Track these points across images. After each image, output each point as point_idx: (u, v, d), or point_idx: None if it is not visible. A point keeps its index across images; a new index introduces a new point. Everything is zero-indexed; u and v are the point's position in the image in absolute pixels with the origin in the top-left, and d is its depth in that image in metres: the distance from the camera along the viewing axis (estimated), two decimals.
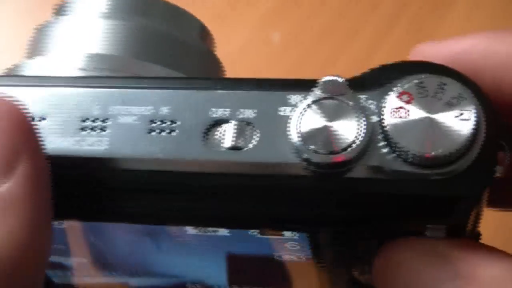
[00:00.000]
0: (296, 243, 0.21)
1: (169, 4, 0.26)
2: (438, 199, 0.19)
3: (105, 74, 0.24)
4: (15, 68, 0.25)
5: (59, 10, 0.27)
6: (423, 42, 0.23)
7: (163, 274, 0.27)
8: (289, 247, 0.22)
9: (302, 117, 0.20)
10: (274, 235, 0.21)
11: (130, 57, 0.24)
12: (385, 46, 0.54)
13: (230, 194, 0.20)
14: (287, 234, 0.21)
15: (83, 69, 0.24)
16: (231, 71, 0.53)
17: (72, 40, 0.25)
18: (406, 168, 0.19)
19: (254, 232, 0.21)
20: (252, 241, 0.22)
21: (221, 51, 0.55)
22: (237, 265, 0.25)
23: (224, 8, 0.58)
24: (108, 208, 0.21)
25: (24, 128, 0.18)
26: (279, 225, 0.21)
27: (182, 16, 0.26)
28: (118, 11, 0.25)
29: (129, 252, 0.25)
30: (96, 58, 0.24)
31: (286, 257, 0.23)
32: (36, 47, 0.26)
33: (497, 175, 0.21)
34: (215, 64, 0.27)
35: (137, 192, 0.21)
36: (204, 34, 0.27)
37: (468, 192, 0.19)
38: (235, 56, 0.55)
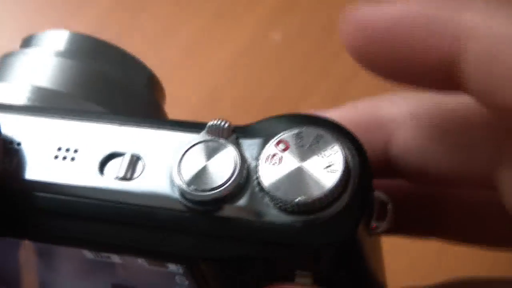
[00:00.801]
0: (184, 277, 0.22)
1: (121, 50, 0.28)
2: (300, 245, 0.20)
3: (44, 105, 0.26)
4: None
5: (25, 42, 0.29)
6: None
7: None
8: (179, 281, 0.23)
9: (184, 156, 0.21)
10: (159, 266, 0.22)
11: (73, 95, 0.26)
12: None
13: (118, 221, 0.21)
14: (172, 267, 0.22)
15: (29, 99, 0.26)
16: (231, 71, 0.55)
17: (25, 72, 0.27)
18: (274, 212, 0.20)
19: (144, 262, 0.22)
20: (146, 273, 0.23)
21: (221, 51, 0.56)
22: None
23: (224, 8, 0.58)
24: (20, 225, 0.23)
25: None
26: (159, 256, 0.22)
27: (131, 64, 0.28)
28: (72, 51, 0.27)
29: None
30: (41, 92, 0.26)
31: None
32: None
33: (381, 229, 0.22)
34: (159, 113, 0.29)
35: (41, 213, 0.22)
36: (152, 84, 0.29)
37: (328, 241, 0.20)
38: (236, 56, 0.55)
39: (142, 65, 0.29)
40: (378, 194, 0.22)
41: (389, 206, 0.22)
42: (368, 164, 0.21)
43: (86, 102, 0.26)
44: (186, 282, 0.23)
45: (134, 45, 0.60)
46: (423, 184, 0.22)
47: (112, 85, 0.27)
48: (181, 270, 0.22)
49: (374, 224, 0.21)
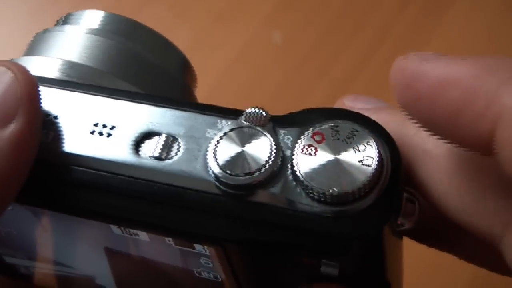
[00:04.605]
0: (209, 259, 0.23)
1: (155, 33, 0.29)
2: (330, 235, 0.21)
3: (79, 81, 0.26)
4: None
5: (62, 20, 0.29)
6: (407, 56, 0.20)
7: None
8: (204, 263, 0.23)
9: (221, 140, 0.21)
10: (186, 246, 0.23)
11: (107, 72, 0.27)
12: (386, 46, 0.55)
13: (150, 200, 0.22)
14: (199, 248, 0.22)
15: (65, 74, 0.26)
16: (232, 71, 0.55)
17: (60, 48, 0.27)
18: (306, 201, 0.21)
19: (169, 241, 0.23)
20: (172, 251, 0.23)
21: (221, 51, 0.57)
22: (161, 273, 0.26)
23: (225, 8, 0.59)
24: (54, 197, 0.23)
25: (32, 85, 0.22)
26: (188, 236, 0.22)
27: (165, 46, 0.29)
28: (106, 30, 0.28)
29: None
30: (76, 67, 0.27)
31: (205, 275, 0.24)
32: (32, 49, 0.28)
33: (405, 227, 0.22)
34: (189, 97, 0.29)
35: (75, 186, 0.23)
36: (186, 69, 0.29)
37: (358, 234, 0.20)
38: (236, 56, 0.56)
39: (176, 49, 0.29)
40: (407, 192, 0.22)
41: (416, 205, 0.22)
42: (400, 162, 0.21)
43: (120, 81, 0.26)
44: (211, 265, 0.23)
45: None
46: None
47: (146, 66, 0.28)
48: (207, 252, 0.22)
49: (399, 220, 0.22)
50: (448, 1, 0.57)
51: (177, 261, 0.24)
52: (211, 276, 0.24)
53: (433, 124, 0.20)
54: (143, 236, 0.23)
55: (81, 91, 0.24)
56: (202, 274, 0.24)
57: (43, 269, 0.30)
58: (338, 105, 0.24)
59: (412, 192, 0.22)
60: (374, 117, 0.22)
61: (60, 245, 0.28)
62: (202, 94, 0.54)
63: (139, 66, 0.28)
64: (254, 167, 0.21)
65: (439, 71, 0.19)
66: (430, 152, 0.21)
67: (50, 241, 0.27)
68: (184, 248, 0.23)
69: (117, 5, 0.58)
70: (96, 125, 0.23)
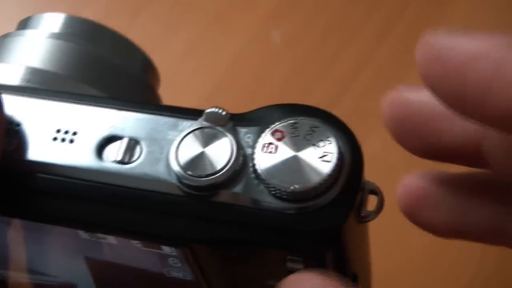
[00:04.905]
0: (177, 259, 0.23)
1: (117, 34, 0.29)
2: (293, 231, 0.21)
3: (41, 87, 0.26)
4: None
5: (22, 24, 0.29)
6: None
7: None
8: (172, 264, 0.23)
9: (182, 142, 0.22)
10: (154, 248, 0.23)
11: (69, 77, 0.27)
12: (386, 45, 0.55)
13: (114, 204, 0.22)
14: (166, 249, 0.23)
15: (26, 80, 0.26)
16: (231, 71, 0.55)
17: (22, 53, 0.27)
18: (269, 199, 0.21)
19: (137, 244, 0.23)
20: (141, 253, 0.24)
21: (221, 51, 0.57)
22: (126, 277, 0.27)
23: (225, 8, 0.58)
24: (19, 204, 0.23)
25: None
26: (154, 238, 0.22)
27: (127, 47, 0.29)
28: (67, 33, 0.28)
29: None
30: (37, 73, 0.27)
31: (174, 274, 0.24)
32: None
33: (370, 219, 0.22)
34: (153, 98, 0.29)
35: (40, 193, 0.23)
36: (148, 69, 0.29)
37: (320, 229, 0.21)
38: (236, 56, 0.56)
39: (137, 49, 0.29)
40: (369, 184, 0.22)
41: (379, 196, 0.22)
42: (360, 155, 0.21)
43: (82, 85, 0.27)
44: (179, 264, 0.23)
45: None
46: None
47: (108, 68, 0.28)
48: (175, 253, 0.23)
49: (363, 213, 0.22)
50: (448, 1, 0.57)
51: (147, 262, 0.24)
52: (181, 275, 0.24)
53: (463, 100, 0.19)
54: (111, 239, 0.23)
55: (43, 97, 0.24)
56: (172, 273, 0.24)
57: (20, 278, 0.30)
58: None
59: (374, 184, 0.22)
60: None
61: (35, 253, 0.28)
62: (202, 95, 0.54)
63: (101, 68, 0.28)
64: (216, 167, 0.21)
65: (468, 44, 0.19)
66: None
67: (24, 249, 0.27)
68: (152, 250, 0.23)
69: (116, 6, 0.57)
70: (58, 131, 0.23)
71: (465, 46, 0.19)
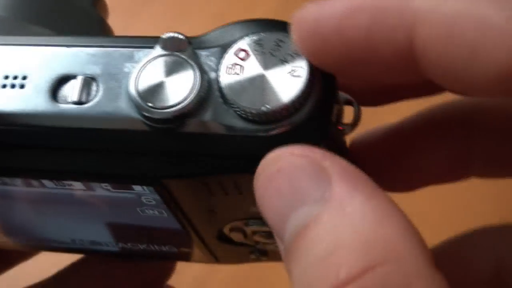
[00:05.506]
0: (150, 197, 0.22)
1: None
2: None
3: None
4: None
5: None
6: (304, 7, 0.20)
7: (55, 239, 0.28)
8: (146, 201, 0.22)
9: (141, 73, 0.20)
10: (124, 189, 0.22)
11: (8, 16, 0.25)
12: None
13: (76, 147, 0.21)
14: (137, 188, 0.21)
15: None
16: None
17: None
18: (240, 124, 0.20)
19: (107, 187, 0.22)
20: (115, 198, 0.22)
21: None
22: (116, 227, 0.26)
23: (225, 8, 0.59)
24: None
25: None
26: (124, 179, 0.21)
27: None
28: None
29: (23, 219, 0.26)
30: None
31: (149, 212, 0.23)
32: None
33: (347, 132, 0.21)
34: (104, 29, 0.27)
35: None
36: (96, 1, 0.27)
37: None
38: None
39: None
40: (343, 95, 0.21)
41: (355, 107, 0.21)
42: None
43: (28, 24, 0.25)
44: (153, 202, 0.22)
45: None
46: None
47: (54, 3, 0.26)
48: (147, 190, 0.21)
49: (340, 126, 0.21)
50: None
51: (118, 204, 0.23)
52: (156, 212, 0.23)
53: (350, 62, 0.19)
54: (78, 185, 0.22)
55: None
56: (146, 212, 0.23)
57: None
58: None
59: (348, 95, 0.21)
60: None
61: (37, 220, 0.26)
62: None
63: (47, 4, 0.26)
64: (180, 96, 0.20)
65: (338, 4, 0.18)
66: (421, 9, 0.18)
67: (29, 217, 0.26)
68: (122, 191, 0.22)
69: (117, 5, 0.56)
70: (6, 77, 0.21)
71: (337, 6, 0.18)
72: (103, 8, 0.28)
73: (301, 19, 0.19)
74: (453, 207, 0.47)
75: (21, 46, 0.22)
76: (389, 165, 0.25)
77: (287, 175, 0.18)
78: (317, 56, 0.19)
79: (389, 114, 0.26)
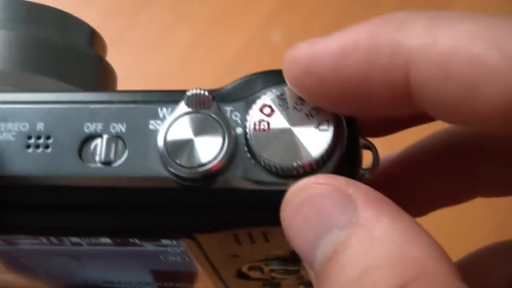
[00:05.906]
0: (177, 248, 0.22)
1: (54, 9, 0.26)
2: None
3: None
4: None
5: None
6: (296, 46, 0.20)
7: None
8: (171, 250, 0.23)
9: (169, 131, 0.20)
10: (154, 243, 0.22)
11: (12, 70, 0.25)
12: None
13: (105, 206, 0.21)
14: (165, 241, 0.22)
15: None
16: (231, 71, 0.54)
17: None
18: (269, 178, 0.20)
19: (136, 241, 0.22)
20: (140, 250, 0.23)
21: (221, 51, 0.56)
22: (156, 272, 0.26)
23: (225, 8, 0.58)
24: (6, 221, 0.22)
25: None
26: (153, 235, 0.21)
27: (69, 22, 0.27)
28: (3, 19, 0.25)
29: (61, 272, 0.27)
30: None
31: (172, 259, 0.23)
32: None
33: (367, 176, 0.22)
34: (106, 70, 0.27)
35: (22, 207, 0.21)
36: (94, 39, 0.27)
37: None
38: (236, 56, 0.56)
39: (77, 20, 0.27)
40: (362, 140, 0.22)
41: (374, 151, 0.22)
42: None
43: (34, 75, 0.24)
44: (178, 251, 0.23)
45: (135, 44, 0.58)
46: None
47: (56, 51, 0.26)
48: (175, 242, 0.22)
49: (360, 173, 0.22)
50: (448, 1, 0.57)
51: (142, 254, 0.23)
52: (179, 259, 0.23)
53: (346, 101, 0.19)
54: (105, 240, 0.22)
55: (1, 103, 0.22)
56: (169, 258, 0.24)
57: None
58: None
59: (367, 139, 0.22)
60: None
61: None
62: None
63: (51, 52, 0.26)
64: (210, 155, 0.20)
65: (332, 45, 0.19)
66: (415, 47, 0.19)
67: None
68: (150, 243, 0.22)
69: (116, 6, 0.57)
70: (29, 137, 0.21)
71: (330, 46, 0.19)
72: (101, 45, 0.28)
73: (294, 58, 0.20)
74: (464, 224, 0.49)
75: (40, 105, 0.22)
76: (397, 194, 0.26)
77: (313, 203, 0.19)
78: (312, 95, 0.20)
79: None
